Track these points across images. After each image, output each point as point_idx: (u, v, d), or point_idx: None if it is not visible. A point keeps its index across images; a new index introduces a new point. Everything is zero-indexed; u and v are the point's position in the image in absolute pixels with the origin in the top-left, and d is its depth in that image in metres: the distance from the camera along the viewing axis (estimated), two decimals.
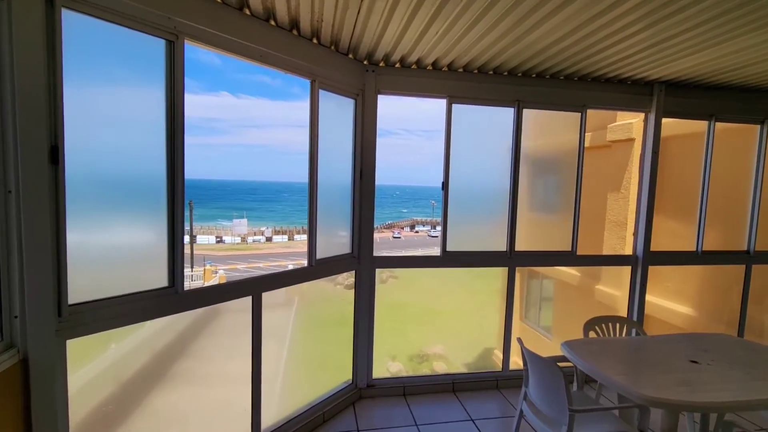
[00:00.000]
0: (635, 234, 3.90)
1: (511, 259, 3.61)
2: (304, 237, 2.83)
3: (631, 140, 5.62)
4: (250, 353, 2.57)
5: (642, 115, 3.77)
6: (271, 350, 2.78)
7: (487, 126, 3.54)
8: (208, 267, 29.07)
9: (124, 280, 1.92)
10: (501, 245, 3.62)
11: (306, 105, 2.81)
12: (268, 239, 61.87)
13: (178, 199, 2.06)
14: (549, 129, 3.84)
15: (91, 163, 1.77)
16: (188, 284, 2.19)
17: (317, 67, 2.80)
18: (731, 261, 4.10)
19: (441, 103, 3.38)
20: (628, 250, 5.38)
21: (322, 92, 2.88)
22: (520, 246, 3.61)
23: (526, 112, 3.50)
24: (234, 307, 2.50)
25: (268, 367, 2.67)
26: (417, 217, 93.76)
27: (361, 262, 3.35)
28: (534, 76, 3.44)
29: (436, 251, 3.52)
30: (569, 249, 3.73)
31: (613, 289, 5.83)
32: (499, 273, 3.77)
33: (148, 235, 2.03)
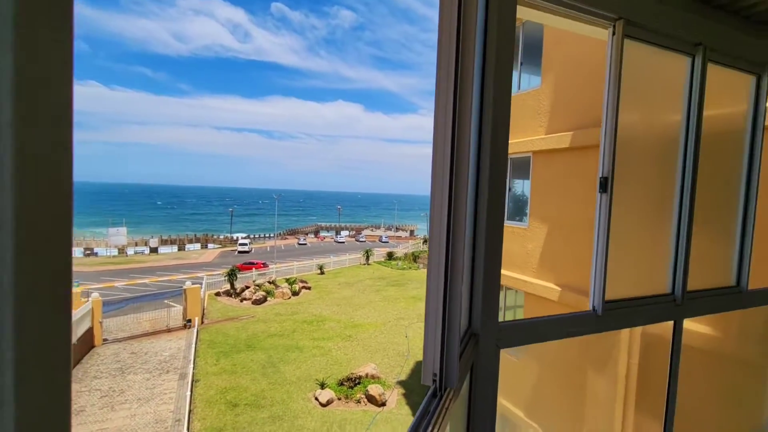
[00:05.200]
0: None
1: (680, 306, 2.17)
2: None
3: None
4: None
5: None
6: None
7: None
8: (75, 288, 23.38)
9: None
10: (662, 283, 2.18)
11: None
12: (153, 250, 53.96)
13: None
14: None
15: None
16: None
17: None
18: None
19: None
20: None
21: None
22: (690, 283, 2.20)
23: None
24: None
25: None
26: (321, 222, 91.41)
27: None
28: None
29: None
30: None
31: None
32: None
33: None
